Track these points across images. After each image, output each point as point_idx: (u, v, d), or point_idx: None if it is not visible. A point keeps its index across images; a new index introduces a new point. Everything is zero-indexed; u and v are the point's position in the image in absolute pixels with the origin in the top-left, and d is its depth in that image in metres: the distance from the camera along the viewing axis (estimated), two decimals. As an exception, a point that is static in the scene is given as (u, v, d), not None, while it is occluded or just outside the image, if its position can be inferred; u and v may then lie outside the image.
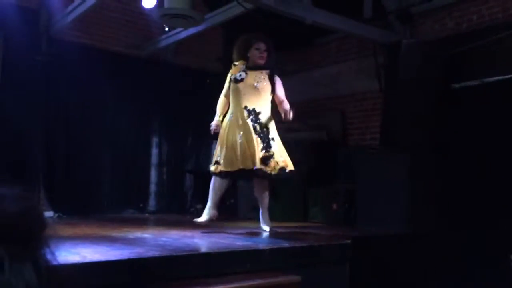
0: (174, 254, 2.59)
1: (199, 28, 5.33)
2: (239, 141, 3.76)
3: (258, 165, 3.68)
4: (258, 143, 3.72)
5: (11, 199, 0.53)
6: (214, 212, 3.93)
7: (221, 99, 4.06)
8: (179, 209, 6.21)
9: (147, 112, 6.25)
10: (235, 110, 3.88)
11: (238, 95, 3.88)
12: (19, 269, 0.50)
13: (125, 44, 6.09)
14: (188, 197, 6.52)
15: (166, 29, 5.60)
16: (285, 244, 3.23)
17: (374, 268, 3.57)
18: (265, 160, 3.71)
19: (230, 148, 3.78)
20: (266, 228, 3.99)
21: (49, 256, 0.54)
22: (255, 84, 3.83)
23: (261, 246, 3.07)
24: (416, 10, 5.49)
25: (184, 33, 5.61)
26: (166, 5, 4.83)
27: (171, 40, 5.94)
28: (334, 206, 5.11)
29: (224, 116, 3.98)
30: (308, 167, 5.44)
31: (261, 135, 3.75)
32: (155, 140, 6.39)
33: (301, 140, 5.61)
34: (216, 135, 3.96)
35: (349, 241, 3.43)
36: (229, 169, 3.78)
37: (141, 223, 4.90)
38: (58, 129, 5.43)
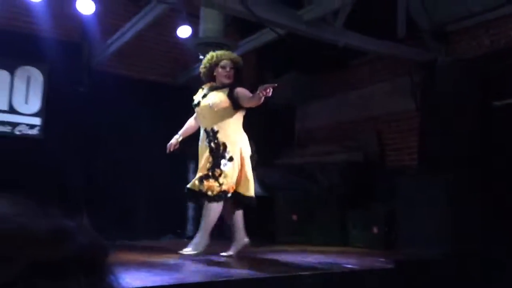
0: (215, 279, 2.59)
1: (233, 55, 5.38)
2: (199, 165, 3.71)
3: (193, 184, 3.59)
4: (207, 162, 3.59)
5: (80, 231, 0.55)
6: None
7: (189, 120, 4.00)
8: (217, 233, 6.20)
9: (183, 138, 6.33)
10: (200, 135, 3.79)
11: (199, 119, 3.80)
12: None
13: (160, 73, 6.23)
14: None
15: (201, 57, 5.71)
16: (326, 269, 3.17)
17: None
18: (202, 178, 3.56)
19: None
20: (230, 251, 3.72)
21: (115, 284, 0.57)
22: (210, 103, 3.65)
23: (302, 271, 3.03)
24: (451, 28, 5.41)
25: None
26: (201, 34, 4.97)
27: (205, 67, 6.03)
28: (374, 229, 4.98)
29: (185, 137, 3.96)
30: (345, 189, 5.38)
31: (214, 154, 3.59)
32: (191, 165, 6.45)
33: (337, 162, 5.57)
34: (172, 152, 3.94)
35: (392, 266, 3.34)
36: None
37: (179, 248, 4.89)
38: (96, 157, 5.54)
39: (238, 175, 3.62)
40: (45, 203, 0.58)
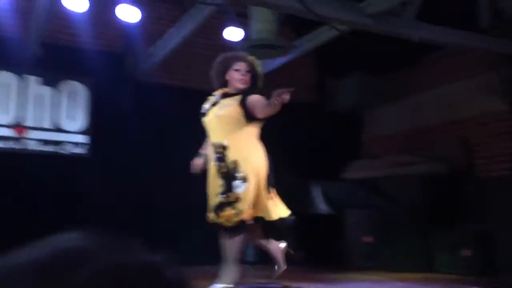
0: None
1: (289, 57, 5.03)
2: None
3: (210, 215, 3.13)
4: (217, 186, 3.15)
5: (166, 265, 0.58)
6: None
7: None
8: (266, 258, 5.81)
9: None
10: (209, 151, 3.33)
11: (208, 131, 3.32)
12: None
13: (208, 80, 5.91)
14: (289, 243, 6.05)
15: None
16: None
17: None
18: (218, 207, 3.10)
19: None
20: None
21: None
22: (218, 112, 3.21)
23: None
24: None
25: (271, 64, 5.28)
26: (252, 36, 4.63)
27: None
28: (466, 252, 4.49)
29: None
30: (428, 205, 4.90)
31: (224, 175, 3.13)
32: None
33: (416, 175, 5.07)
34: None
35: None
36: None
37: (241, 274, 4.55)
38: (145, 174, 5.27)
39: (255, 197, 3.15)
40: (117, 235, 0.59)
